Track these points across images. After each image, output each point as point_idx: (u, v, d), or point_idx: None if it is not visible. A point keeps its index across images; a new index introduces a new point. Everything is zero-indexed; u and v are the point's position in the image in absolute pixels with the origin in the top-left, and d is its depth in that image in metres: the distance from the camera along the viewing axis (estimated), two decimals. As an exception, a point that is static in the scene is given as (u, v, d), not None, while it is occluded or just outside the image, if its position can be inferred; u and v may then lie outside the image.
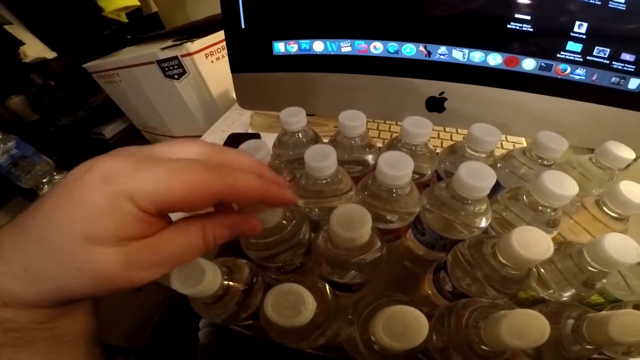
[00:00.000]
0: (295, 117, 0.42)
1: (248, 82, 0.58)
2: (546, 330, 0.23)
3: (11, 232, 0.19)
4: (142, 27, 1.28)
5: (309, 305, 0.24)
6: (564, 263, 0.34)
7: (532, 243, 0.27)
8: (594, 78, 0.47)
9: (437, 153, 0.46)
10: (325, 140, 0.48)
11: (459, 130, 0.65)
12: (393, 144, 0.43)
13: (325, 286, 0.33)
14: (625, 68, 0.46)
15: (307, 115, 0.43)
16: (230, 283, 0.30)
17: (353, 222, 0.27)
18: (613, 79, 0.47)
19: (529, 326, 0.23)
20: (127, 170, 0.19)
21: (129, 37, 1.15)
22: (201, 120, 1.04)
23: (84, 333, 0.23)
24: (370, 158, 0.44)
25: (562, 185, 0.32)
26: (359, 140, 0.43)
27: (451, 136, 0.64)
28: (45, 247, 0.19)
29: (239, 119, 0.74)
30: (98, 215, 0.18)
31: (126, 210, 0.19)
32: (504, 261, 0.29)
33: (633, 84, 0.47)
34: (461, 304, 0.32)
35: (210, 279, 0.25)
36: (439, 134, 0.64)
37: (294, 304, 0.24)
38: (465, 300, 0.32)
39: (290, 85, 0.56)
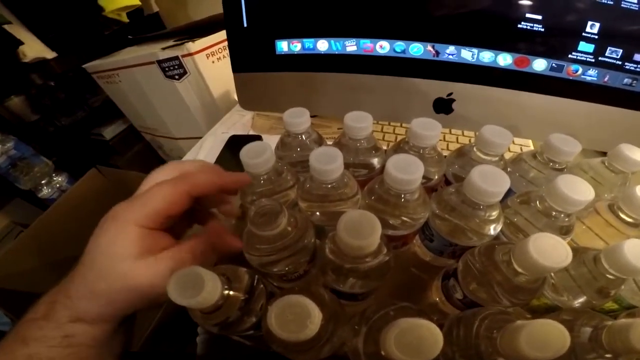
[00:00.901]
0: (299, 118, 0.40)
1: (250, 82, 0.57)
2: (566, 341, 0.21)
3: (77, 269, 0.28)
4: (143, 27, 1.27)
5: (315, 319, 0.22)
6: (579, 270, 0.33)
7: (550, 250, 0.26)
8: (605, 79, 0.46)
9: (445, 156, 0.44)
10: (329, 142, 0.47)
11: (465, 133, 0.64)
12: (400, 147, 0.42)
13: (330, 295, 0.32)
14: (637, 69, 0.45)
15: (310, 116, 0.42)
16: (231, 292, 0.29)
17: (361, 229, 0.26)
18: (625, 80, 0.46)
19: (549, 337, 0.22)
20: (124, 207, 0.29)
21: (129, 37, 1.14)
22: (202, 121, 1.03)
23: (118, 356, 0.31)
24: (376, 161, 0.43)
25: (578, 190, 0.31)
26: (364, 143, 0.41)
27: (457, 138, 0.63)
28: (96, 272, 0.27)
29: (240, 121, 0.73)
30: (116, 240, 0.27)
31: (131, 230, 0.27)
32: (519, 269, 0.28)
33: None
34: (473, 313, 0.31)
35: (210, 289, 0.24)
36: (444, 136, 0.63)
37: (299, 317, 0.22)
38: (477, 309, 0.31)
39: (293, 85, 0.55)
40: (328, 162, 0.32)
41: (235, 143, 0.65)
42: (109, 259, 0.27)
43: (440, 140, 0.62)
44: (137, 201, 0.29)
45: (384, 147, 0.46)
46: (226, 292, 0.28)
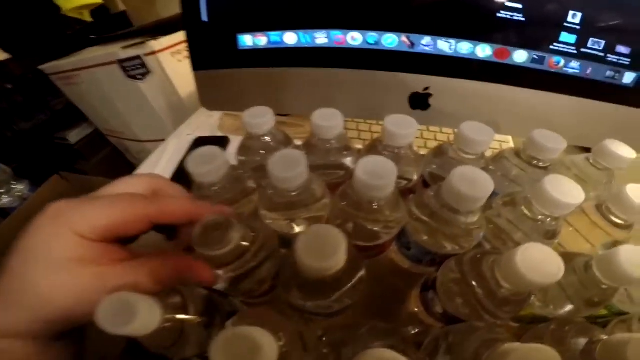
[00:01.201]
0: (261, 118, 0.37)
1: (212, 81, 0.53)
2: None
3: (4, 272, 0.23)
4: (109, 26, 1.20)
5: (268, 354, 0.19)
6: (568, 279, 0.30)
7: (540, 263, 0.23)
8: (588, 72, 0.44)
9: (422, 155, 0.41)
10: (300, 143, 0.43)
11: (444, 130, 0.61)
12: (374, 147, 0.38)
13: (297, 315, 0.28)
14: (620, 61, 0.43)
15: (282, 115, 0.38)
16: (181, 317, 0.25)
17: (323, 247, 0.22)
18: (608, 73, 0.44)
19: None
20: (70, 207, 0.24)
21: (92, 36, 1.07)
22: (169, 123, 0.98)
23: None
24: (349, 161, 0.40)
25: (566, 192, 0.28)
26: (335, 143, 0.38)
27: (435, 136, 0.60)
28: (23, 279, 0.22)
29: (207, 121, 0.68)
30: (47, 243, 0.23)
31: (68, 236, 0.23)
32: (505, 285, 0.25)
33: (628, 78, 0.44)
34: (455, 331, 0.28)
35: (144, 315, 0.19)
36: (422, 134, 0.60)
37: (248, 353, 0.18)
38: (459, 326, 0.28)
39: (260, 82, 0.51)
40: (288, 169, 0.28)
41: (201, 145, 0.60)
42: (40, 265, 0.23)
43: (417, 137, 0.59)
44: (87, 205, 0.24)
45: (360, 146, 0.42)
46: (174, 315, 0.24)
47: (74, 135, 1.35)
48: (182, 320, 0.25)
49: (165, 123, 0.99)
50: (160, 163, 0.60)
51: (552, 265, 0.23)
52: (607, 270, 0.27)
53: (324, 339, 0.29)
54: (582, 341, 0.27)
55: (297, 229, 0.34)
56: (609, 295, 0.29)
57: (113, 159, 1.41)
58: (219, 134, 0.64)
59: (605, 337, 0.24)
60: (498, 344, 0.23)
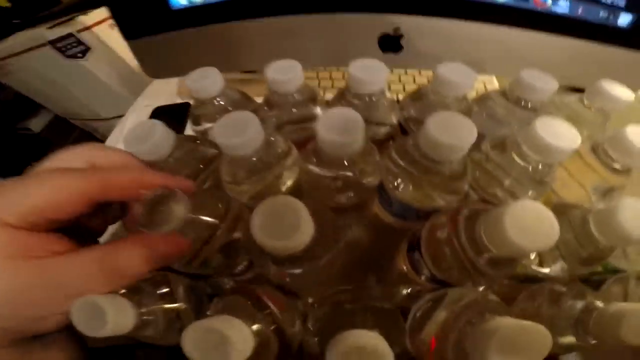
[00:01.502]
0: (206, 80, 0.32)
1: (151, 48, 0.47)
2: (547, 347, 0.17)
3: None
4: (34, 8, 1.08)
5: (237, 345, 0.17)
6: (562, 235, 0.27)
7: (531, 225, 0.20)
8: (579, 12, 0.40)
9: (399, 101, 0.37)
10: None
11: (422, 72, 0.57)
12: (342, 97, 0.34)
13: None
14: (614, 3, 0.39)
15: (246, 72, 0.33)
16: (159, 307, 0.23)
17: (283, 223, 0.19)
18: (602, 14, 0.40)
19: (525, 342, 0.17)
20: None
21: (15, 21, 0.97)
22: (129, 95, 0.92)
23: None
24: (319, 112, 0.36)
25: (560, 135, 0.25)
26: (298, 95, 0.34)
27: (414, 79, 0.56)
28: None
29: (164, 89, 0.62)
30: None
31: None
32: (493, 250, 0.22)
33: (623, 19, 0.40)
34: (442, 297, 0.25)
35: (114, 315, 0.18)
36: (399, 77, 0.56)
37: (218, 346, 0.17)
38: (451, 292, 0.26)
39: (206, 42, 0.45)
40: (235, 134, 0.24)
41: (161, 115, 0.56)
42: None
43: (395, 83, 0.54)
44: (9, 188, 0.20)
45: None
46: (149, 309, 0.22)
47: (37, 124, 1.27)
48: (169, 310, 0.24)
49: (124, 96, 0.93)
50: (121, 140, 0.56)
51: (544, 226, 0.20)
52: (606, 228, 0.24)
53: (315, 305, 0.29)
54: (579, 304, 0.24)
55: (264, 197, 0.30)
56: (606, 253, 0.27)
57: (86, 141, 1.34)
58: (179, 100, 0.59)
59: (600, 304, 0.23)
60: (487, 315, 0.20)
